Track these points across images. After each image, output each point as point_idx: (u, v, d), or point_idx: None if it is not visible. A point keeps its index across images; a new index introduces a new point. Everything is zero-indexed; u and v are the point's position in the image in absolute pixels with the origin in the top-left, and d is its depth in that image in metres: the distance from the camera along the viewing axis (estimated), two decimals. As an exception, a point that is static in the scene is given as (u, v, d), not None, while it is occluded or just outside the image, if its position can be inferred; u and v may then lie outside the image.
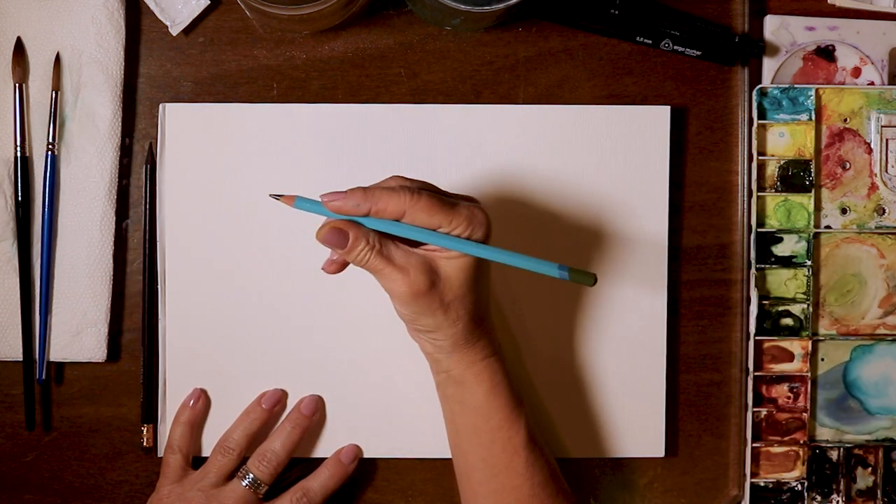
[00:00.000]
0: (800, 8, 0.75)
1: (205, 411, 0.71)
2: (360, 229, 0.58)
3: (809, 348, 0.74)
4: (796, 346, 0.74)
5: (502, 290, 0.73)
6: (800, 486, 0.74)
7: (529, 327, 0.73)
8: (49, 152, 0.71)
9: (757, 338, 0.73)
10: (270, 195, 0.60)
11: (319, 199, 0.58)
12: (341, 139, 0.72)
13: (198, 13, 0.72)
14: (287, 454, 0.69)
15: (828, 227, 0.74)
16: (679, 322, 0.75)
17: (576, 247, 0.73)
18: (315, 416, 0.71)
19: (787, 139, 0.73)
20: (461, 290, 0.60)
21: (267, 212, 0.72)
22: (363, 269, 0.60)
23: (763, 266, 0.74)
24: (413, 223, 0.58)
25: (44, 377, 0.72)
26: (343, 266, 0.62)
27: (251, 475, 0.68)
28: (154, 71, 0.73)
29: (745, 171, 0.74)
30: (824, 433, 0.75)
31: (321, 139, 0.72)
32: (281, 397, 0.71)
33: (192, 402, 0.71)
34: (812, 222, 0.73)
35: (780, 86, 0.73)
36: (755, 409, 0.74)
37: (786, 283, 0.74)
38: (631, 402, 0.73)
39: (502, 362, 0.64)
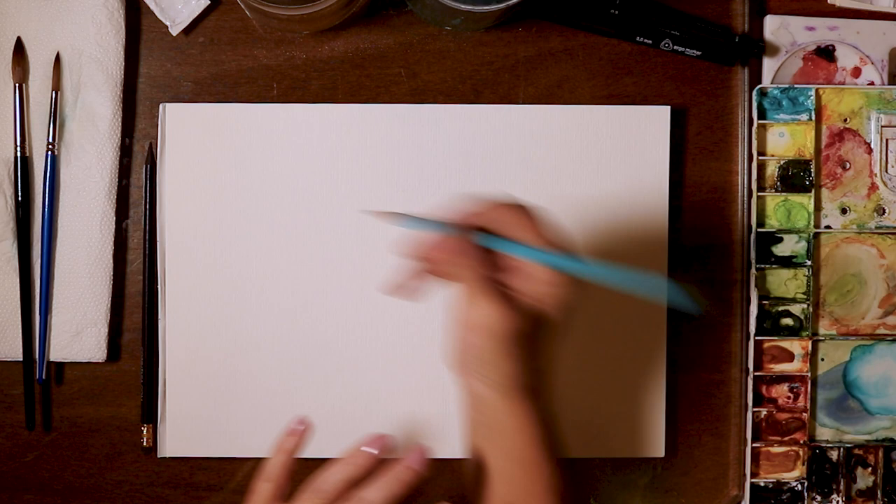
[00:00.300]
0: (800, 8, 0.75)
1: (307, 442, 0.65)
2: (471, 241, 0.58)
3: (809, 348, 0.74)
4: (796, 346, 0.74)
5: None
6: (800, 486, 0.74)
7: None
8: (49, 152, 0.71)
9: (757, 338, 0.73)
10: (363, 211, 0.60)
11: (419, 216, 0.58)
12: (341, 139, 0.72)
13: (198, 13, 0.72)
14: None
15: (828, 227, 0.74)
16: (679, 322, 0.75)
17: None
18: (422, 471, 0.61)
19: (787, 139, 0.73)
20: (545, 340, 0.59)
21: (267, 212, 0.72)
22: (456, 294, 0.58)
23: (763, 266, 0.74)
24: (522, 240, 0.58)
25: (44, 377, 0.72)
26: (410, 292, 0.60)
27: None
28: (154, 71, 0.73)
29: (745, 171, 0.74)
30: (824, 433, 0.75)
31: (321, 139, 0.72)
32: (387, 443, 0.62)
33: (298, 431, 0.64)
34: (812, 222, 0.74)
35: (780, 86, 0.73)
36: (755, 409, 0.74)
37: (786, 283, 0.74)
38: (631, 402, 0.73)
39: (549, 413, 0.61)
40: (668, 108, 0.73)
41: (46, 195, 0.71)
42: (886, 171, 0.74)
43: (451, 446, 0.73)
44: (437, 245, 0.58)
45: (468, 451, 0.62)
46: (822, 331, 0.74)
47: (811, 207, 0.73)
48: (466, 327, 0.58)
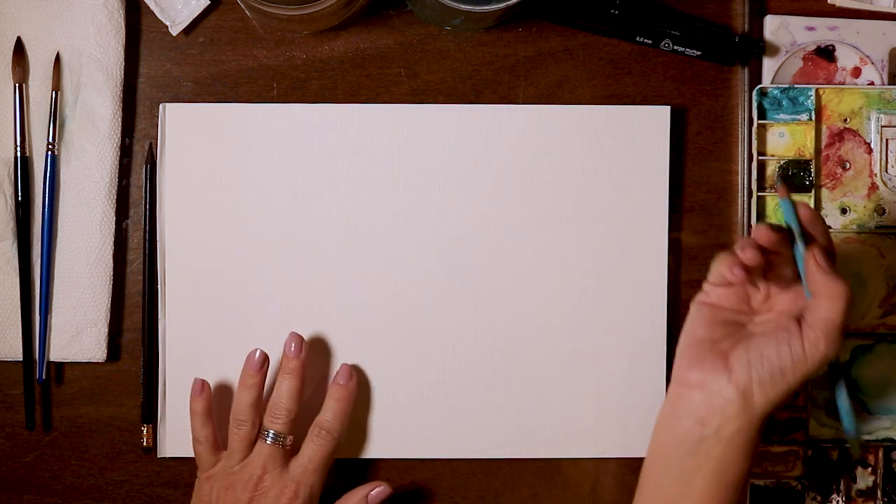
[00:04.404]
0: (800, 8, 0.75)
1: (212, 397, 0.71)
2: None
3: (809, 348, 0.74)
4: (796, 346, 0.74)
5: (509, 292, 0.73)
6: (800, 486, 0.74)
7: (530, 327, 0.73)
8: (49, 152, 0.71)
9: (757, 338, 0.73)
10: (780, 181, 0.66)
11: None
12: (341, 139, 0.72)
13: (198, 13, 0.72)
14: (293, 402, 0.69)
15: (828, 227, 0.74)
16: (679, 322, 0.74)
17: (575, 247, 0.73)
18: (302, 356, 0.70)
19: (787, 139, 0.73)
20: None
21: (267, 211, 0.72)
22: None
23: (763, 266, 0.73)
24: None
25: (44, 377, 0.72)
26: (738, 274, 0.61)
27: (270, 431, 0.68)
28: (154, 71, 0.73)
29: (745, 171, 0.74)
30: (824, 433, 0.75)
31: (321, 139, 0.72)
32: (265, 357, 0.70)
33: (199, 391, 0.70)
34: (812, 222, 0.73)
35: (780, 86, 0.73)
36: (755, 409, 0.74)
37: (786, 283, 0.74)
38: (631, 403, 0.73)
39: None
40: (668, 108, 0.73)
41: (46, 195, 0.71)
42: (886, 171, 0.74)
43: (451, 446, 0.73)
44: (819, 260, 0.60)
45: (670, 476, 0.64)
46: (822, 331, 0.74)
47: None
48: (811, 355, 0.60)
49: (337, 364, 0.72)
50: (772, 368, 0.60)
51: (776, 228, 0.61)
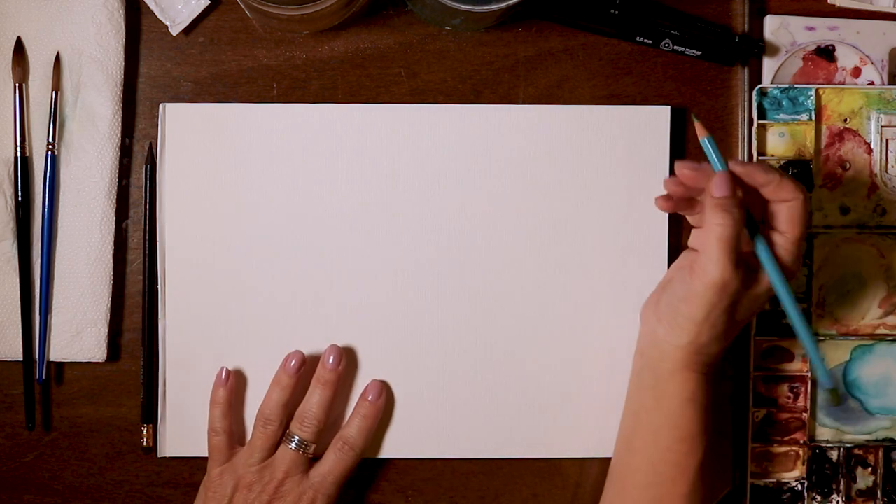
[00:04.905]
0: (800, 8, 0.75)
1: (236, 389, 0.71)
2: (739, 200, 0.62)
3: (809, 348, 0.74)
4: (796, 345, 0.74)
5: (509, 292, 0.73)
6: (800, 486, 0.74)
7: (530, 326, 0.73)
8: (49, 152, 0.71)
9: (757, 338, 0.73)
10: (693, 115, 0.68)
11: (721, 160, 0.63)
12: (341, 139, 0.72)
13: (198, 13, 0.72)
14: (324, 412, 0.69)
15: (828, 227, 0.74)
16: (679, 322, 0.75)
17: (575, 247, 0.73)
18: (339, 368, 0.70)
19: (787, 139, 0.73)
20: (754, 309, 0.64)
21: (267, 211, 0.72)
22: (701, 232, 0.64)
23: (763, 266, 0.74)
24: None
25: (44, 377, 0.72)
26: (676, 207, 0.65)
27: (296, 437, 0.69)
28: (154, 71, 0.73)
29: (745, 171, 0.74)
30: (824, 433, 0.75)
31: (321, 139, 0.72)
32: (304, 359, 0.70)
33: (223, 381, 0.70)
34: (812, 222, 0.73)
35: (780, 86, 0.73)
36: (755, 409, 0.74)
37: (786, 283, 0.74)
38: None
39: (710, 383, 0.65)
40: (668, 108, 0.73)
41: (46, 195, 0.71)
42: (886, 171, 0.74)
43: (451, 446, 0.73)
44: (718, 183, 0.62)
45: (628, 413, 0.68)
46: (822, 331, 0.74)
47: (811, 207, 0.73)
48: (698, 278, 0.62)
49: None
50: (675, 298, 0.64)
51: (696, 167, 0.63)
